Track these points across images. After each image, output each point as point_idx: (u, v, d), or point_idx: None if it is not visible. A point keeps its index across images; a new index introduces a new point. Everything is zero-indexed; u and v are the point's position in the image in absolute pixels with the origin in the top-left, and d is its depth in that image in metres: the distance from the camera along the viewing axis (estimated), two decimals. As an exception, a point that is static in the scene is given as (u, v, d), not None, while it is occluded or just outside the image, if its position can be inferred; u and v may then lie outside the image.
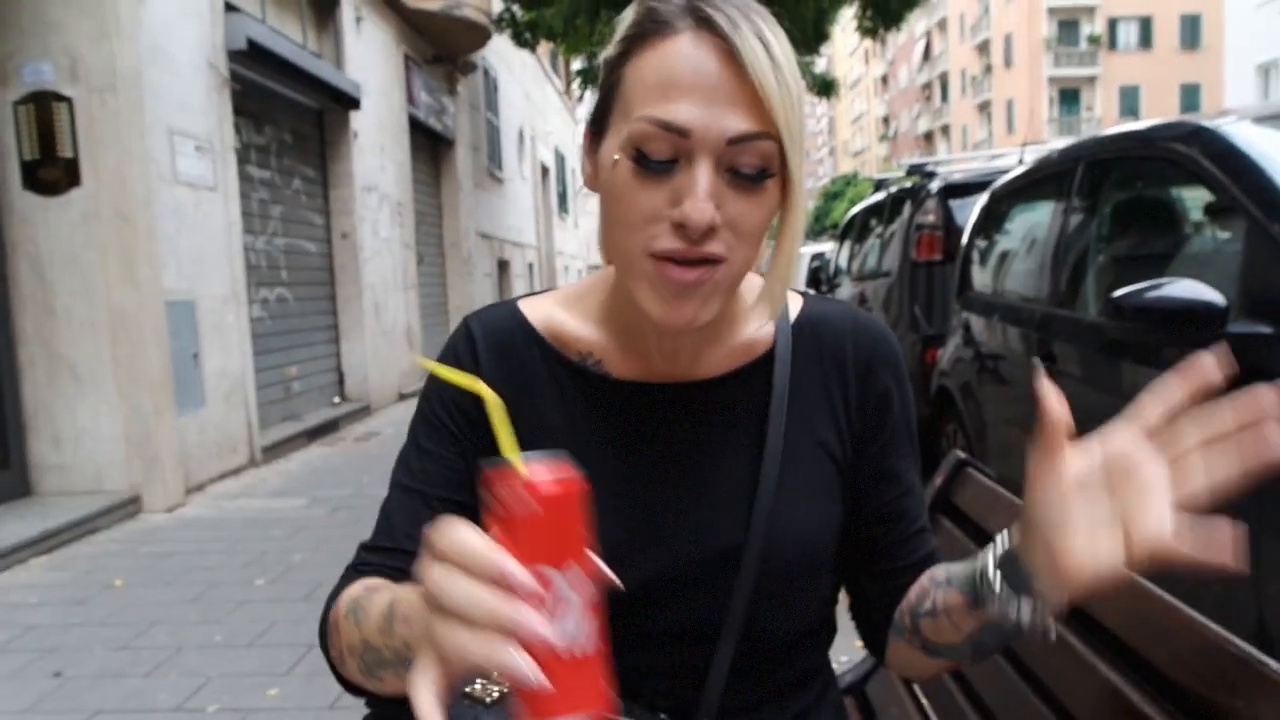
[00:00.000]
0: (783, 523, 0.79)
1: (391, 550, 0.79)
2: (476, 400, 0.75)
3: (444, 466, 0.81)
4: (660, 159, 0.67)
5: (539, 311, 0.85)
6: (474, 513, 0.77)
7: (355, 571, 0.80)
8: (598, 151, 0.74)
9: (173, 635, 2.97)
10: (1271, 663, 0.66)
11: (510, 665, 0.48)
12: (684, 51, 0.67)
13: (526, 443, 0.78)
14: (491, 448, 0.77)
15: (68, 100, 4.39)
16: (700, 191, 0.65)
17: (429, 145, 10.92)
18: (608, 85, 0.72)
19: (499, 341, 0.83)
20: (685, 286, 0.68)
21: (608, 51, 0.73)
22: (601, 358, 0.82)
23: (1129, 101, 42.52)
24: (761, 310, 0.76)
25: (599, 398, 0.81)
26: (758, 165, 0.67)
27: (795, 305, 0.86)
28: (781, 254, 0.73)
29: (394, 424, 7.42)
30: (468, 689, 0.79)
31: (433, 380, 0.82)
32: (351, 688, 0.77)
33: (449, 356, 0.83)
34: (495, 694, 0.79)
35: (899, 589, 0.83)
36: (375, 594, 0.68)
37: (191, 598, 3.34)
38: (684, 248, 0.67)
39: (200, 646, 2.87)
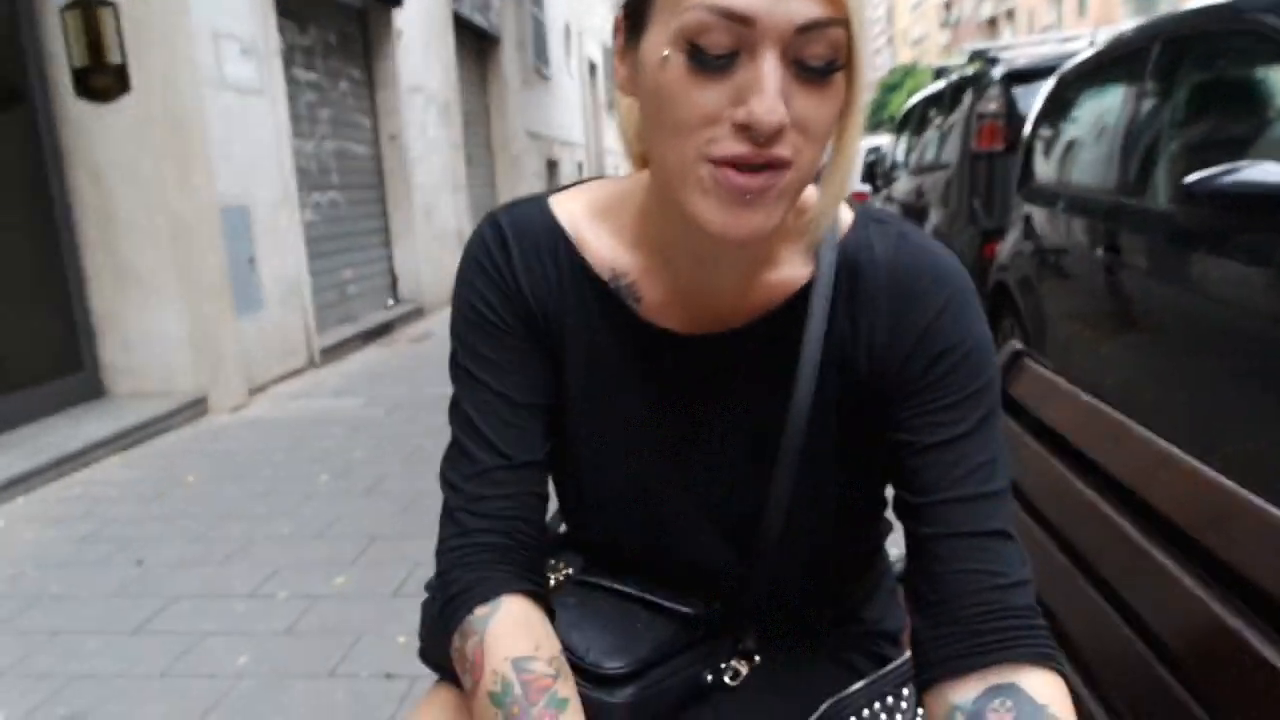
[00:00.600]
0: (806, 483, 0.74)
1: (498, 467, 0.75)
2: (520, 302, 0.76)
3: (519, 372, 0.76)
4: (720, 53, 0.58)
5: (570, 215, 0.77)
6: (560, 415, 0.79)
7: (469, 515, 0.75)
8: (638, 49, 0.64)
9: (243, 528, 3.11)
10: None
11: None
12: None
13: (553, 357, 0.77)
14: (551, 350, 0.76)
15: (112, 5, 4.36)
16: (769, 88, 0.57)
17: (474, 43, 10.70)
18: None
19: (530, 243, 0.76)
20: (750, 194, 0.60)
21: None
22: (632, 282, 0.75)
23: (1213, -23, 39.69)
24: (816, 226, 0.70)
25: (625, 328, 0.76)
26: (827, 57, 0.59)
27: (843, 228, 0.74)
28: (841, 161, 0.66)
29: (447, 325, 7.48)
30: None
31: (467, 283, 0.78)
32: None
33: (483, 257, 0.77)
34: (553, 581, 0.81)
35: (939, 577, 0.67)
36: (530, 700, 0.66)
37: (259, 493, 3.48)
38: (749, 152, 0.59)
39: (269, 538, 3.01)
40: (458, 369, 0.78)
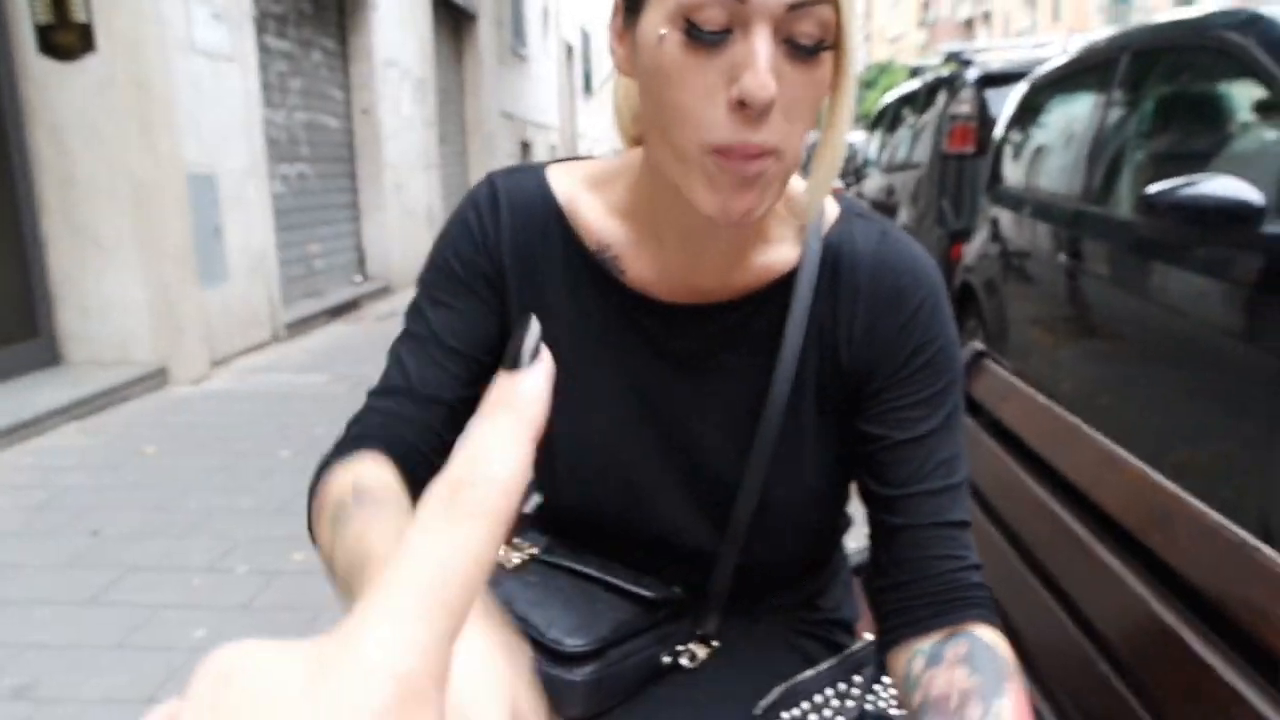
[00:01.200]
0: (781, 466, 0.77)
1: (404, 391, 0.76)
2: (493, 261, 0.78)
3: (460, 319, 0.77)
4: (714, 29, 0.60)
5: (565, 186, 0.79)
6: (490, 371, 0.79)
7: (358, 423, 0.77)
8: (635, 28, 0.65)
9: (202, 501, 3.08)
10: (1266, 548, 0.68)
11: None
12: None
13: (505, 322, 0.78)
14: (509, 311, 0.78)
15: (80, -39, 4.26)
16: (761, 63, 0.59)
17: (451, 19, 10.58)
18: None
19: (522, 209, 0.78)
20: (747, 178, 0.63)
21: None
22: (619, 254, 0.77)
23: (1185, -10, 40.36)
24: (807, 208, 0.73)
25: (609, 297, 0.77)
26: (816, 36, 0.61)
27: (829, 220, 0.77)
28: (831, 142, 0.68)
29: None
30: None
31: (446, 235, 0.80)
32: None
33: (470, 212, 0.79)
34: (515, 560, 0.82)
35: (898, 564, 0.72)
36: (360, 519, 0.63)
37: (219, 466, 3.44)
38: (744, 142, 0.61)
39: (228, 512, 2.98)
40: (410, 310, 0.80)
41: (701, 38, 0.60)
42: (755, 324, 0.76)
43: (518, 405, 0.28)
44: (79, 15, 4.30)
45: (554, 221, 0.78)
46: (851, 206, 0.79)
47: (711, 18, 0.60)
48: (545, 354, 0.28)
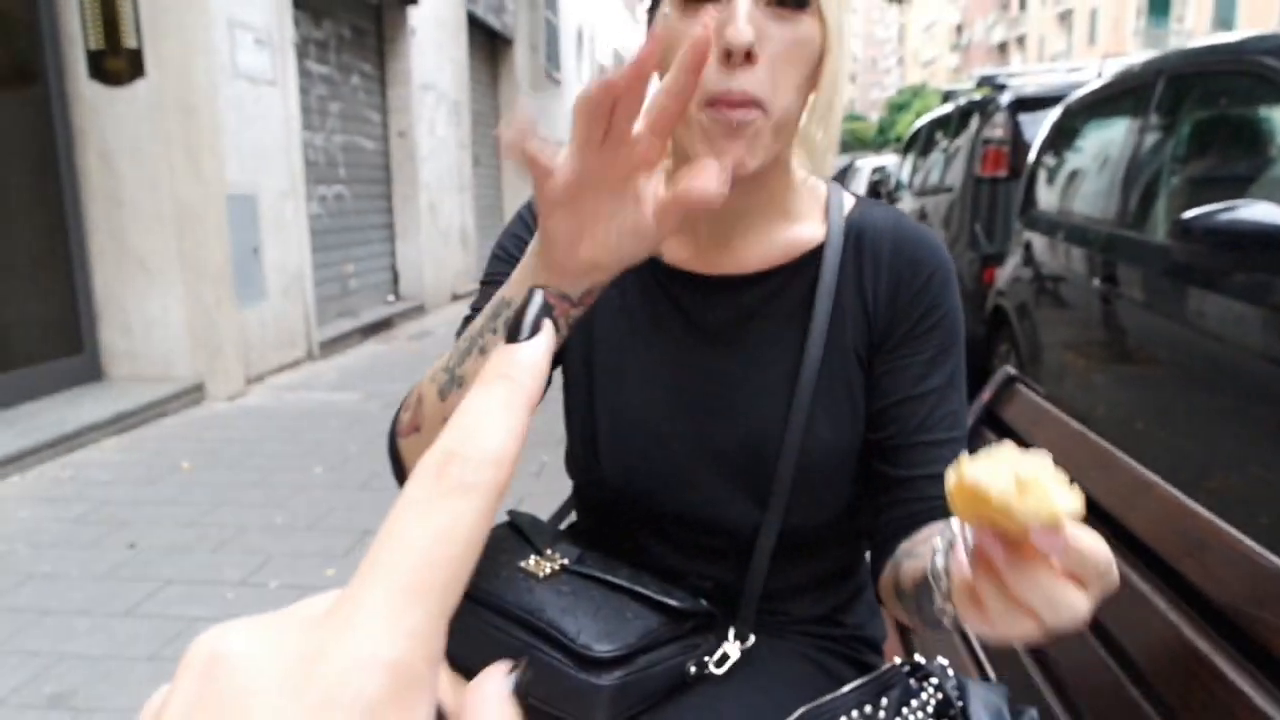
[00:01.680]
0: (818, 421, 0.81)
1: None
2: None
3: None
4: None
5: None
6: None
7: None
8: (656, 24, 0.77)
9: (236, 516, 3.13)
10: (1302, 577, 0.67)
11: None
12: None
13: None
14: None
15: (130, -11, 4.40)
16: (740, 13, 0.68)
17: (487, 44, 10.75)
18: None
19: None
20: (733, 126, 0.70)
21: None
22: None
23: (1225, 11, 39.88)
24: (805, 157, 0.81)
25: (648, 277, 0.85)
26: None
27: (848, 204, 0.87)
28: (822, 95, 0.76)
29: (447, 324, 7.53)
30: (521, 564, 0.84)
31: (504, 232, 0.90)
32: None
33: (524, 211, 0.89)
34: (548, 570, 0.84)
35: (898, 504, 0.81)
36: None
37: (253, 482, 3.50)
38: (726, 89, 0.69)
39: (262, 527, 3.03)
40: (479, 287, 0.88)
41: (692, 2, 0.71)
42: (787, 294, 0.84)
43: (515, 375, 0.27)
44: (130, 42, 4.43)
45: None
46: (866, 199, 0.88)
47: None
48: (547, 326, 0.28)
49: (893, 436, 0.81)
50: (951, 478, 0.48)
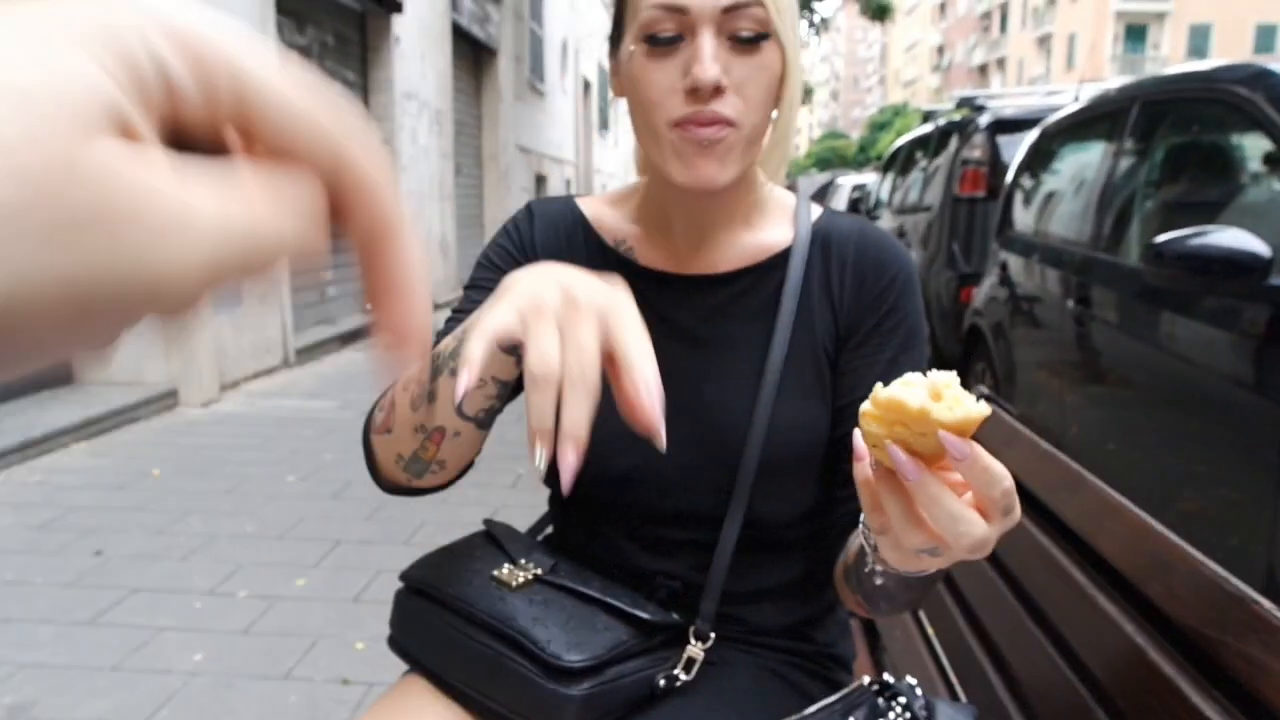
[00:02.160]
0: (783, 413, 0.83)
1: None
2: (527, 257, 0.89)
3: None
4: (667, 36, 0.76)
5: (590, 205, 0.94)
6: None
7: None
8: (619, 55, 0.82)
9: (206, 524, 3.09)
10: (1264, 601, 0.68)
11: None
12: None
13: None
14: None
15: (111, -9, 4.36)
16: (705, 55, 0.74)
17: (470, 54, 10.75)
18: (619, 2, 0.84)
19: (552, 222, 0.92)
20: (703, 144, 0.76)
21: None
22: (633, 245, 0.91)
23: (1198, 41, 40.68)
24: (770, 165, 0.85)
25: (625, 272, 0.85)
26: (754, 29, 0.76)
27: (815, 213, 0.92)
28: (782, 113, 0.81)
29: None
30: (495, 573, 0.84)
31: (491, 243, 0.93)
32: (385, 482, 0.82)
33: (511, 228, 0.93)
34: (521, 579, 0.83)
35: (854, 498, 0.82)
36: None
37: (225, 489, 3.46)
38: (696, 111, 0.75)
39: (232, 536, 2.99)
40: (462, 300, 0.89)
41: (658, 43, 0.77)
42: (755, 293, 0.88)
43: None
44: (107, 43, 4.39)
45: (579, 227, 0.93)
46: (832, 209, 0.94)
47: (664, 28, 0.76)
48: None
49: (852, 431, 0.81)
50: (866, 404, 0.53)
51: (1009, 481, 0.52)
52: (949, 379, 0.51)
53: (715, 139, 0.76)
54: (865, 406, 0.53)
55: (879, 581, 0.68)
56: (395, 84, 7.78)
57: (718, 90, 0.75)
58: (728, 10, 0.75)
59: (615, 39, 0.83)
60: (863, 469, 0.56)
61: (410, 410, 0.73)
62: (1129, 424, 2.66)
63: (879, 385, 0.53)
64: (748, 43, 0.76)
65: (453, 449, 0.73)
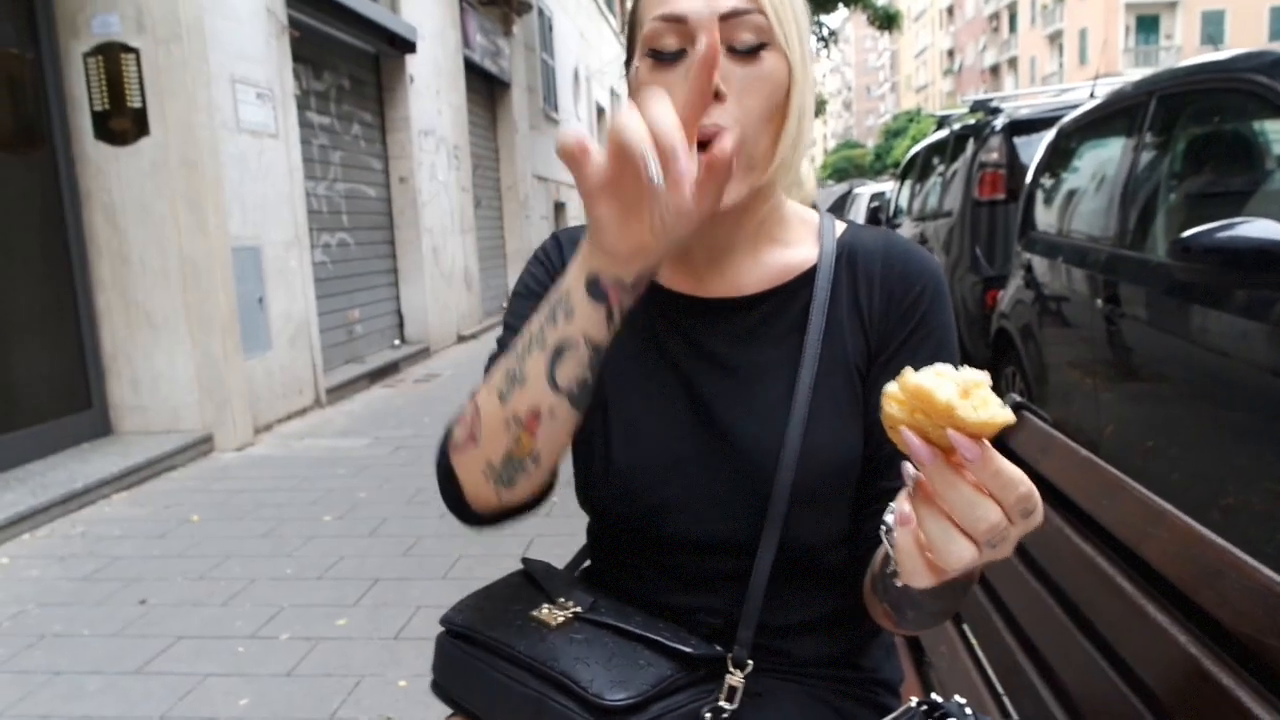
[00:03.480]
0: (815, 436, 0.82)
1: None
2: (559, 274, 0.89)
3: None
4: (670, 50, 0.77)
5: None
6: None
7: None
8: (632, 76, 0.82)
9: (246, 567, 3.12)
10: (1320, 606, 0.66)
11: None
12: None
13: None
14: None
15: (135, 51, 4.47)
16: None
17: (485, 88, 10.89)
18: (630, 25, 0.84)
19: (579, 244, 0.91)
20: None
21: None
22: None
23: (1212, 28, 40.23)
24: (788, 180, 0.84)
25: (652, 303, 0.87)
26: (752, 39, 0.76)
27: (839, 229, 0.91)
28: (789, 124, 0.80)
29: (453, 365, 7.55)
30: (534, 613, 0.84)
31: (523, 271, 0.94)
32: (473, 508, 0.82)
33: (541, 255, 0.94)
34: (560, 619, 0.83)
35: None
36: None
37: (263, 532, 3.49)
38: (699, 125, 0.73)
39: (272, 578, 3.01)
40: (503, 326, 0.92)
41: (661, 58, 0.78)
42: (783, 315, 0.87)
43: None
44: (134, 101, 4.50)
45: None
46: (856, 224, 0.92)
47: (667, 43, 0.77)
48: None
49: (885, 446, 0.80)
50: (893, 385, 0.54)
51: (1026, 486, 0.52)
52: (981, 378, 0.52)
53: None
54: (891, 388, 0.54)
55: (900, 583, 0.66)
56: (412, 122, 7.89)
57: (717, 96, 0.74)
58: (725, 18, 0.75)
59: (628, 56, 0.85)
60: (903, 530, 0.56)
61: (499, 404, 0.74)
62: (1166, 421, 2.61)
63: (908, 369, 0.53)
64: (747, 52, 0.76)
65: (549, 434, 0.73)
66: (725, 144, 0.62)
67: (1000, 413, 0.50)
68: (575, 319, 0.70)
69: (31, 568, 3.20)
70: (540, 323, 0.72)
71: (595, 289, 0.69)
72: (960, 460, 0.51)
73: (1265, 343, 2.11)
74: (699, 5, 0.76)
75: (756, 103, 0.76)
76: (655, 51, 0.78)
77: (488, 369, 0.85)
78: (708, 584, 0.87)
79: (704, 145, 0.73)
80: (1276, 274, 2.00)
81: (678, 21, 0.76)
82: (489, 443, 0.75)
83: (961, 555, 0.53)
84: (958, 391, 0.51)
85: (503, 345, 0.87)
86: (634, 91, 0.82)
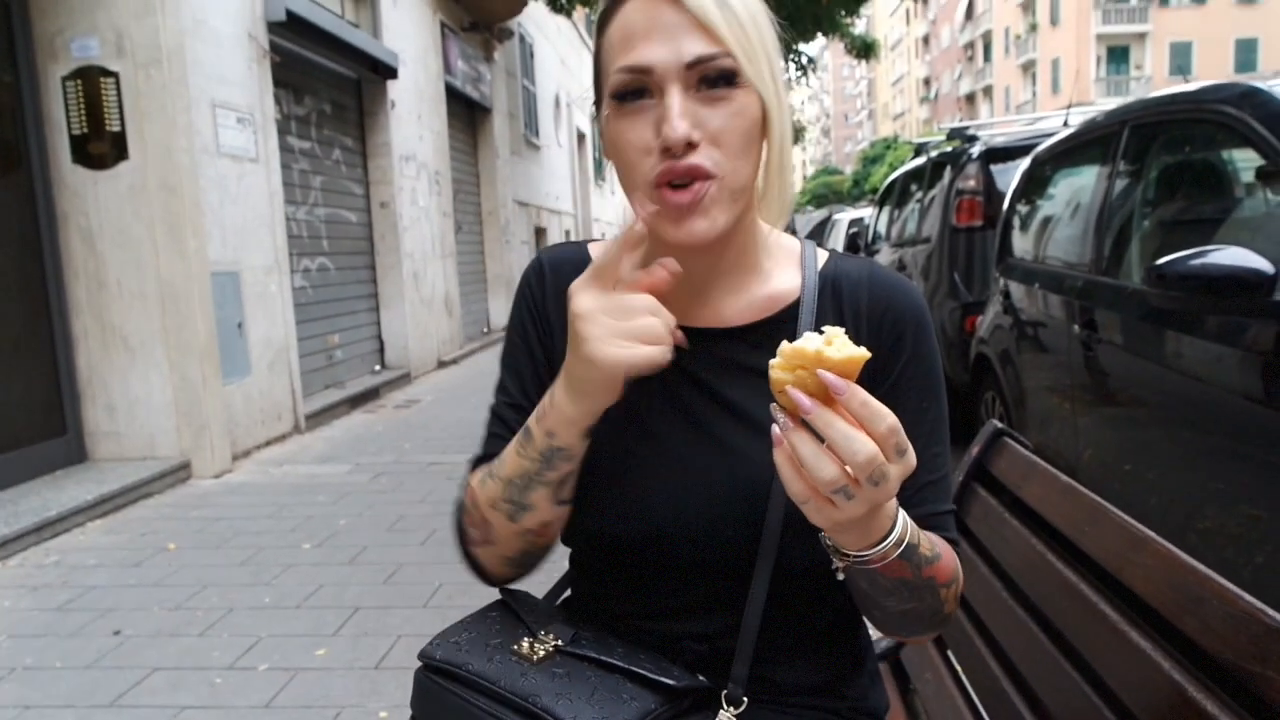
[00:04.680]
0: None
1: (503, 437, 0.90)
2: (542, 320, 0.93)
3: (530, 381, 0.93)
4: (638, 97, 0.77)
5: (599, 248, 0.96)
6: None
7: (477, 460, 0.93)
8: (600, 120, 0.84)
9: (224, 597, 3.07)
10: (1301, 633, 0.67)
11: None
12: (637, 6, 0.77)
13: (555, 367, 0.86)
14: (556, 358, 0.90)
15: (114, 75, 4.46)
16: (674, 114, 0.74)
17: (466, 113, 10.93)
18: (595, 68, 0.84)
19: (563, 265, 0.94)
20: (683, 207, 0.76)
21: (594, 42, 0.84)
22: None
23: (1180, 59, 41.11)
24: (769, 211, 0.86)
25: None
26: (722, 79, 0.76)
27: (822, 259, 0.92)
28: (771, 158, 0.82)
29: (433, 391, 7.51)
30: (514, 646, 0.83)
31: (512, 310, 0.96)
32: (494, 579, 0.92)
33: (525, 283, 0.96)
34: (541, 653, 0.83)
35: None
36: (499, 455, 0.86)
37: (241, 561, 3.44)
38: (671, 166, 0.75)
39: (250, 608, 2.97)
40: (501, 366, 0.97)
41: (625, 102, 0.78)
42: (769, 347, 0.84)
43: None
44: (113, 125, 4.48)
45: None
46: (839, 253, 0.94)
47: (633, 90, 0.77)
48: None
49: None
50: (774, 359, 0.64)
51: (892, 419, 0.61)
52: (838, 331, 0.63)
53: (696, 199, 0.76)
54: (773, 360, 0.64)
55: (841, 578, 0.73)
56: (393, 147, 7.90)
57: (690, 145, 0.75)
58: (691, 66, 0.75)
59: (597, 102, 0.85)
60: (778, 452, 0.64)
61: (510, 522, 0.84)
62: (1143, 445, 2.64)
63: (784, 341, 0.64)
64: (718, 92, 0.76)
65: (557, 527, 0.87)
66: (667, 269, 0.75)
67: (858, 350, 0.61)
68: (574, 459, 0.80)
69: (3, 598, 3.14)
70: (536, 468, 0.80)
71: (588, 433, 0.79)
72: (834, 398, 0.60)
73: (1239, 367, 2.15)
74: (664, 54, 0.75)
75: (734, 140, 0.77)
76: (621, 99, 0.78)
77: (493, 411, 0.94)
78: (697, 610, 0.87)
79: (689, 183, 0.76)
80: (1249, 300, 2.03)
81: (643, 72, 0.76)
82: (504, 546, 0.86)
83: (828, 472, 0.61)
84: (823, 342, 0.62)
85: (500, 401, 0.94)
86: (604, 135, 0.84)
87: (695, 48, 0.75)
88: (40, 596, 3.14)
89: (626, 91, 0.77)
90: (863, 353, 0.61)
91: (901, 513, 0.70)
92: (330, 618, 2.85)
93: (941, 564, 0.77)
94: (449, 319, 9.27)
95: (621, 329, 0.72)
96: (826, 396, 0.61)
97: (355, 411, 6.69)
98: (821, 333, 0.63)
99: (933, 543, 0.77)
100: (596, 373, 0.72)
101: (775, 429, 0.63)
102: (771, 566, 0.82)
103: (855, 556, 0.69)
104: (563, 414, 0.77)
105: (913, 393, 0.85)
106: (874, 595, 0.75)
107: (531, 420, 0.80)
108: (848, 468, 0.60)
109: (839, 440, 0.60)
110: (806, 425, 0.62)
